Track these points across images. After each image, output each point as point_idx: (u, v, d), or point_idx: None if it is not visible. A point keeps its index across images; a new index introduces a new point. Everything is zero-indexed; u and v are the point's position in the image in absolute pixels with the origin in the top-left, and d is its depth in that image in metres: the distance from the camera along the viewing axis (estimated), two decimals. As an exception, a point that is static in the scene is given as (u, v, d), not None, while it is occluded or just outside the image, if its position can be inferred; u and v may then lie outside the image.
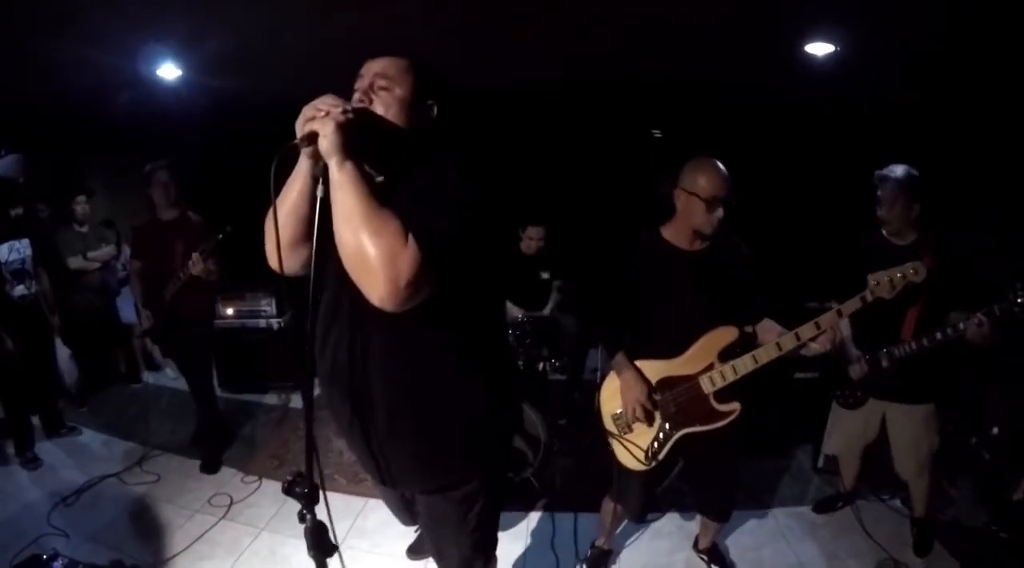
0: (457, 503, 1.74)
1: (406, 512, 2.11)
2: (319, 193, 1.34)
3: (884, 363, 2.77)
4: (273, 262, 1.47)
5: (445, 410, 1.62)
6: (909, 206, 2.67)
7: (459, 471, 1.72)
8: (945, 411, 2.93)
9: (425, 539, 1.95)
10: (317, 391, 1.64)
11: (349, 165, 1.31)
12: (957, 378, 3.14)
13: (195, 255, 3.49)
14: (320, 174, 1.34)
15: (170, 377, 5.65)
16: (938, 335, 2.58)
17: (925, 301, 2.64)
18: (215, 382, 4.46)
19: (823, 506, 3.43)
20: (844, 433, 3.16)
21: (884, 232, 2.81)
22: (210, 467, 3.91)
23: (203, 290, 3.82)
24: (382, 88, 1.50)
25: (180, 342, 3.98)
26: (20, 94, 4.77)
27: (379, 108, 1.50)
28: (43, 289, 4.15)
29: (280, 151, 1.30)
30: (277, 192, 1.41)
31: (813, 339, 2.22)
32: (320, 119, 1.30)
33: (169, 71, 4.28)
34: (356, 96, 1.51)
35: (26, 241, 3.98)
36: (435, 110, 1.58)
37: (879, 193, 2.73)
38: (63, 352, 4.75)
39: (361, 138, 1.36)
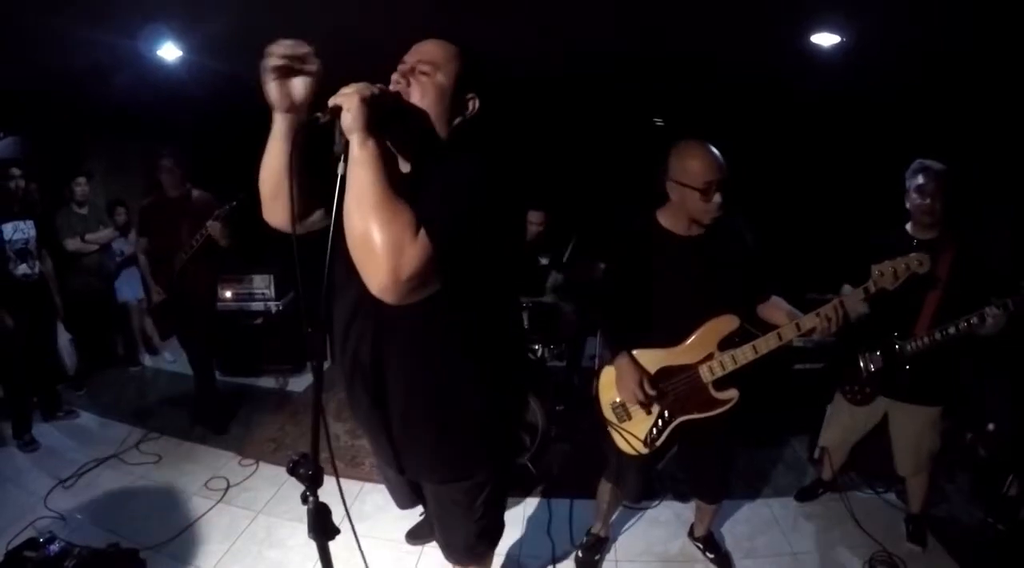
0: (466, 492, 1.78)
1: (408, 496, 2.12)
2: (340, 170, 1.30)
3: (897, 356, 2.72)
4: (280, 221, 1.54)
5: (459, 406, 1.64)
6: (947, 200, 2.61)
7: (470, 462, 1.74)
8: (949, 411, 2.90)
9: (432, 525, 1.98)
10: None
11: (371, 144, 1.27)
12: (967, 379, 3.09)
13: (210, 223, 3.81)
14: (343, 151, 1.30)
15: (168, 360, 5.66)
16: (951, 329, 2.54)
17: (942, 297, 2.61)
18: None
19: (805, 494, 3.46)
20: (843, 427, 3.15)
21: (908, 227, 2.75)
22: (219, 429, 4.17)
23: (208, 266, 4.11)
24: (423, 73, 1.47)
25: (185, 316, 4.18)
26: (19, 74, 4.73)
27: (416, 92, 1.47)
28: (47, 271, 4.14)
29: (304, 124, 1.31)
30: (300, 165, 1.40)
31: (813, 331, 2.22)
32: (346, 94, 1.27)
33: (170, 51, 4.25)
34: (395, 77, 1.48)
35: (31, 222, 3.97)
36: (475, 104, 1.54)
37: (920, 182, 2.63)
38: (63, 337, 4.73)
39: (387, 119, 1.33)
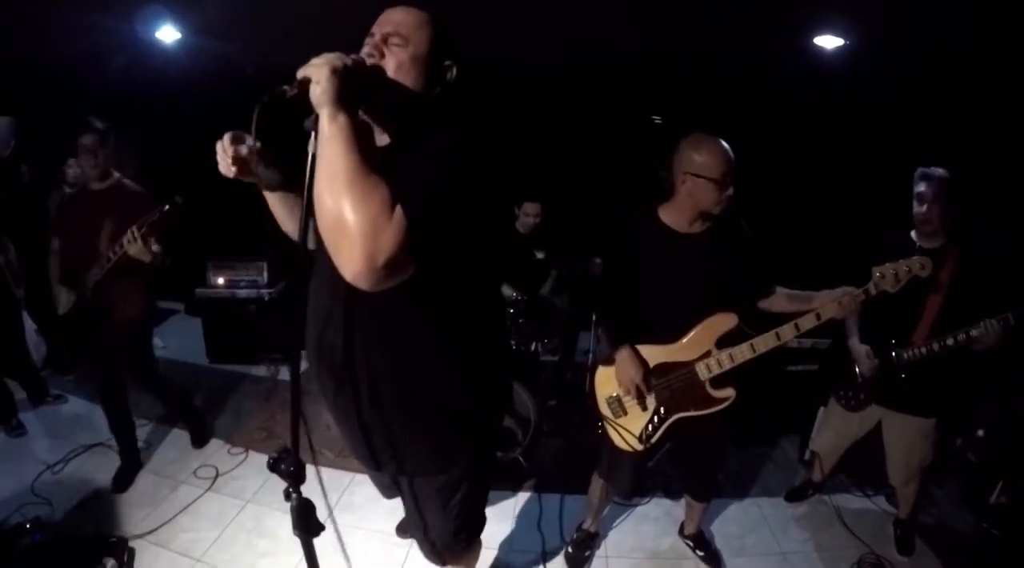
0: (439, 489, 1.71)
1: (388, 486, 2.03)
2: (311, 149, 1.21)
3: (893, 364, 2.70)
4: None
5: (428, 395, 1.56)
6: (947, 208, 2.55)
7: (442, 457, 1.67)
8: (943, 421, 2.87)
9: (408, 518, 1.90)
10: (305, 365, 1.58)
11: (342, 118, 1.18)
12: (961, 386, 3.02)
13: (132, 230, 2.84)
14: (313, 126, 1.21)
15: (159, 347, 5.59)
16: (950, 341, 2.52)
17: (942, 307, 2.58)
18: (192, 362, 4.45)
19: (795, 495, 3.46)
20: (836, 433, 3.14)
21: (913, 234, 2.69)
22: (198, 441, 3.88)
23: (138, 277, 3.14)
24: (396, 44, 1.39)
25: (105, 339, 3.23)
26: (14, 55, 4.67)
27: (391, 64, 1.38)
28: (8, 260, 4.02)
29: (267, 97, 1.18)
30: (262, 138, 1.31)
31: (814, 328, 2.21)
32: (315, 66, 1.19)
33: (168, 34, 4.20)
34: (366, 50, 1.39)
35: None
36: (453, 72, 1.47)
37: (919, 190, 2.59)
38: (29, 326, 4.57)
39: (361, 92, 1.26)
